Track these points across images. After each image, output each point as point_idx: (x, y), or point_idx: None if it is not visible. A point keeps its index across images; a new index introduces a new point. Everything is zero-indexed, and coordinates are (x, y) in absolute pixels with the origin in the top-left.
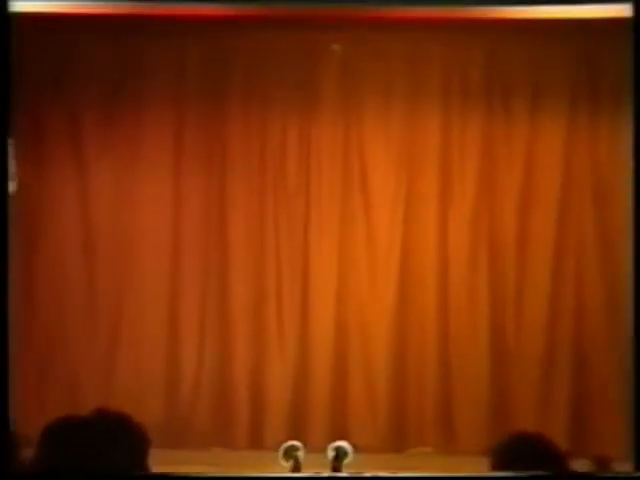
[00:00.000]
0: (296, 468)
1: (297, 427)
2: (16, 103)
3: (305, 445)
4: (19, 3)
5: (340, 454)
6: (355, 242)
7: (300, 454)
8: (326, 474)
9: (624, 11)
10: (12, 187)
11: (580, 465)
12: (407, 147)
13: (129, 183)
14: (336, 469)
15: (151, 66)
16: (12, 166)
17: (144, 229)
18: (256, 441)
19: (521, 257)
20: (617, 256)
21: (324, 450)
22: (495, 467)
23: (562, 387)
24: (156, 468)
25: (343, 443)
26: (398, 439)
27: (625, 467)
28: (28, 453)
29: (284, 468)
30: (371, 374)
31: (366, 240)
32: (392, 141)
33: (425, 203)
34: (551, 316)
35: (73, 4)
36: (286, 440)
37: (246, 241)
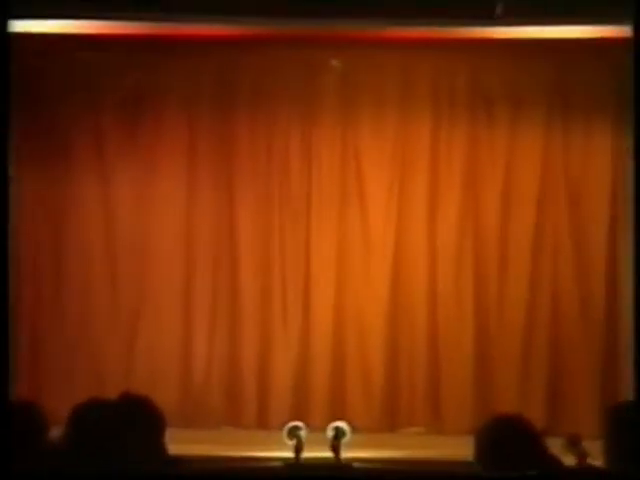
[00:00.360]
0: (299, 446)
1: (300, 409)
2: (42, 117)
3: (307, 425)
4: (45, 24)
5: (339, 434)
6: (352, 239)
7: (302, 433)
8: None
9: (623, 32)
10: None
11: (554, 442)
12: (399, 152)
13: (147, 189)
14: (335, 447)
15: (167, 82)
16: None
17: (161, 231)
18: (262, 421)
19: (503, 252)
20: (591, 254)
21: (324, 430)
22: (480, 446)
23: (540, 373)
24: (172, 445)
25: (342, 423)
26: (391, 420)
27: (594, 445)
28: (58, 431)
29: (288, 446)
30: (367, 361)
31: (362, 238)
32: (386, 147)
33: (416, 203)
34: (530, 309)
35: (98, 25)
36: (290, 420)
37: (253, 239)
